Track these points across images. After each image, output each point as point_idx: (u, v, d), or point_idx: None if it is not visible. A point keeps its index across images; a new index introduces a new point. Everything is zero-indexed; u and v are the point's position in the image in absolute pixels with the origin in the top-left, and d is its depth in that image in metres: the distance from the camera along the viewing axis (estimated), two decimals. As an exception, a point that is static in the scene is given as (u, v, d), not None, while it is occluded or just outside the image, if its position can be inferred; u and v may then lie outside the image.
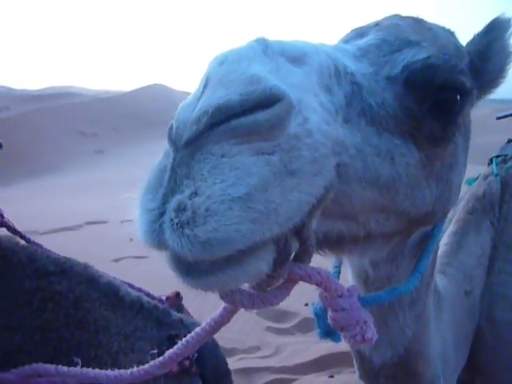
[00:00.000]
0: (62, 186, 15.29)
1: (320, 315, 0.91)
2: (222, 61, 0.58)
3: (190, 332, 1.22)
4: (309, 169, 0.58)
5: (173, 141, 0.56)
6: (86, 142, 25.96)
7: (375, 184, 0.72)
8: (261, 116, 0.54)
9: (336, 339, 0.90)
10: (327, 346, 2.87)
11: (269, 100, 0.55)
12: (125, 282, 1.32)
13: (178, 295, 1.44)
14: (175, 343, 1.23)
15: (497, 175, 2.05)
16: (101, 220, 6.85)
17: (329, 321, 0.75)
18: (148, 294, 1.36)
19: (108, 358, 1.07)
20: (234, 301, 0.64)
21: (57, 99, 31.47)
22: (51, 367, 0.91)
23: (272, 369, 2.92)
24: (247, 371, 2.84)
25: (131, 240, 5.36)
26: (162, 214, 0.55)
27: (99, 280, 1.17)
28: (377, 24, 0.87)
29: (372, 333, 0.71)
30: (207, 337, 0.78)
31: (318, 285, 0.68)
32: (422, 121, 0.77)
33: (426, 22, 0.91)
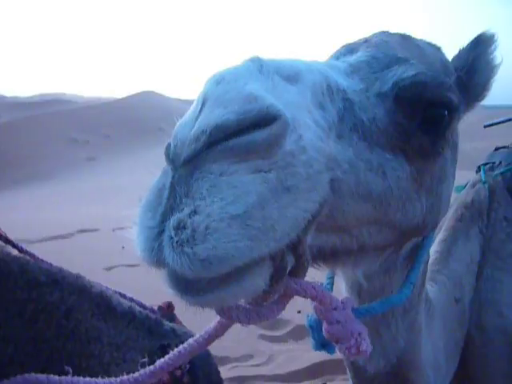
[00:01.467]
0: (53, 193, 15.18)
1: (314, 327, 0.92)
2: (219, 80, 0.60)
3: (182, 342, 1.23)
4: (304, 185, 0.59)
5: (171, 159, 0.58)
6: (78, 149, 25.83)
7: (368, 198, 0.75)
8: (258, 135, 0.55)
9: (330, 351, 0.91)
10: (320, 354, 2.86)
11: (265, 119, 0.56)
12: (116, 292, 1.32)
13: (170, 305, 1.44)
14: (167, 353, 1.23)
15: (485, 183, 2.09)
16: (92, 228, 6.82)
17: (323, 333, 0.77)
18: (140, 304, 1.36)
19: (100, 369, 1.06)
20: (231, 316, 0.65)
21: (48, 106, 31.32)
22: (43, 377, 0.91)
23: (265, 377, 2.91)
24: (240, 380, 2.83)
25: (123, 248, 5.35)
26: (161, 232, 0.56)
27: (91, 290, 1.17)
28: (366, 41, 0.90)
29: (366, 345, 0.73)
30: (200, 349, 0.79)
31: (313, 299, 0.70)
32: (412, 135, 0.79)
33: (413, 38, 0.93)
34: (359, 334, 0.73)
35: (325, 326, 0.75)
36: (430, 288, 1.54)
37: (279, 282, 0.62)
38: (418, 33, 0.95)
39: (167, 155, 0.58)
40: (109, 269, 4.57)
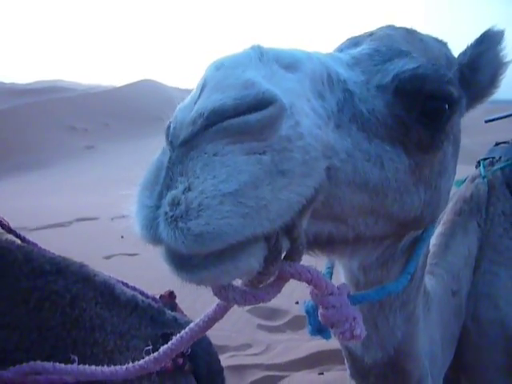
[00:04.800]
0: (51, 181, 15.14)
1: (311, 313, 0.94)
2: (219, 66, 0.61)
3: (183, 330, 1.25)
4: (299, 170, 0.61)
5: (170, 140, 0.59)
6: (77, 137, 25.72)
7: (364, 188, 0.76)
8: (252, 117, 0.57)
9: (326, 336, 0.93)
10: (317, 344, 2.91)
11: (261, 103, 0.58)
12: (119, 281, 1.33)
13: (171, 294, 1.46)
14: (169, 341, 1.25)
15: (484, 177, 2.10)
16: (91, 217, 6.82)
17: (319, 318, 0.78)
18: (142, 293, 1.38)
19: (104, 356, 1.08)
20: (227, 297, 0.67)
21: (46, 93, 31.05)
22: (49, 365, 0.92)
23: (263, 366, 2.95)
24: (238, 368, 2.87)
25: (122, 237, 5.36)
26: (158, 207, 0.57)
27: (95, 279, 1.18)
28: (371, 34, 0.91)
29: (360, 329, 0.74)
30: (201, 332, 0.80)
31: (308, 282, 0.71)
32: (411, 128, 0.80)
33: (418, 32, 0.94)
34: (354, 318, 0.75)
35: (320, 310, 0.77)
36: (428, 281, 1.56)
37: (274, 264, 0.63)
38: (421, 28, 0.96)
39: (166, 135, 0.60)
40: (108, 257, 4.57)
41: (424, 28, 0.97)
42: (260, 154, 0.57)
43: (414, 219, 0.89)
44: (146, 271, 4.11)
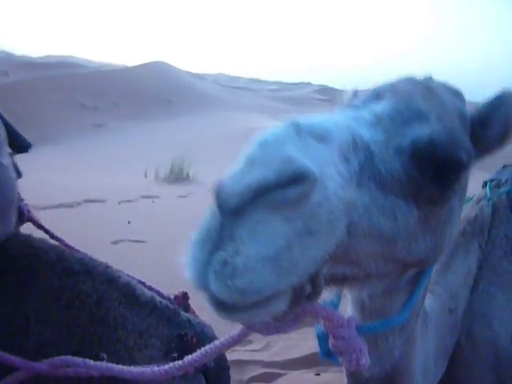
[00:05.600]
0: (60, 158, 15.22)
1: (322, 338, 1.04)
2: (263, 143, 0.71)
3: (196, 331, 1.34)
4: (325, 229, 0.71)
5: (220, 206, 0.69)
6: (86, 114, 25.73)
7: (378, 238, 0.85)
8: (291, 192, 0.67)
9: (335, 361, 1.02)
10: (316, 345, 3.01)
11: (298, 177, 0.67)
12: (140, 282, 1.42)
13: (185, 295, 1.55)
14: (183, 341, 1.35)
15: (489, 199, 2.15)
16: (99, 199, 6.89)
17: (329, 345, 0.88)
18: (158, 293, 1.47)
19: (124, 353, 1.18)
20: (254, 327, 0.80)
21: (58, 68, 30.93)
22: (79, 360, 1.02)
23: (262, 362, 3.07)
24: (238, 363, 2.98)
25: (129, 223, 5.47)
26: (208, 262, 0.67)
27: (119, 280, 1.27)
28: (392, 87, 0.98)
29: (365, 360, 0.84)
30: (224, 349, 0.90)
31: (324, 318, 0.82)
32: (423, 186, 0.89)
33: (435, 87, 1.01)
34: (360, 350, 0.85)
35: (331, 340, 0.87)
36: (427, 299, 1.64)
37: (297, 305, 0.75)
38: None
39: (216, 200, 0.69)
40: (115, 242, 4.63)
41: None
42: (294, 220, 0.68)
43: (419, 261, 0.99)
44: (152, 259, 4.21)
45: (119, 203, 6.81)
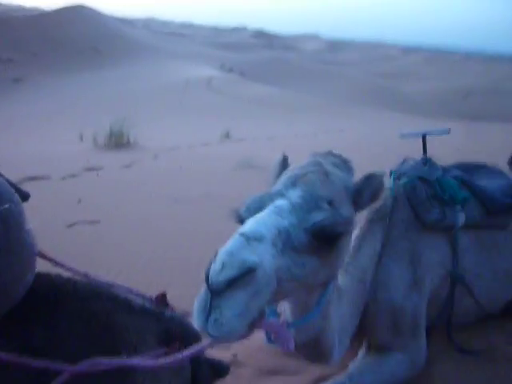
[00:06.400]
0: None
1: (267, 333, 1.66)
2: (229, 253, 1.29)
3: (178, 326, 1.84)
4: (264, 289, 1.32)
5: (209, 288, 1.26)
6: (1, 68, 23.57)
7: (296, 280, 1.48)
8: (247, 278, 1.27)
9: (274, 345, 1.66)
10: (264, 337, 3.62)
11: (250, 269, 1.27)
12: (128, 289, 1.86)
13: (164, 295, 2.02)
14: (169, 335, 1.84)
15: (391, 190, 2.76)
16: (41, 175, 6.71)
17: (271, 337, 1.50)
18: (143, 296, 1.92)
19: (131, 349, 1.65)
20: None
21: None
22: (105, 360, 1.48)
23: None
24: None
25: (80, 201, 5.55)
26: (206, 319, 1.22)
27: (119, 297, 1.71)
28: (304, 175, 1.55)
29: (292, 345, 1.46)
30: (209, 347, 1.41)
31: (267, 326, 1.42)
32: (320, 247, 1.51)
33: (330, 173, 1.61)
34: (288, 339, 1.46)
35: (272, 335, 1.50)
36: (341, 277, 2.28)
37: (252, 328, 1.36)
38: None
39: (206, 284, 1.26)
40: (70, 225, 4.64)
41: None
42: (248, 290, 1.27)
43: (323, 283, 1.66)
44: (109, 240, 4.47)
45: (63, 179, 6.80)
